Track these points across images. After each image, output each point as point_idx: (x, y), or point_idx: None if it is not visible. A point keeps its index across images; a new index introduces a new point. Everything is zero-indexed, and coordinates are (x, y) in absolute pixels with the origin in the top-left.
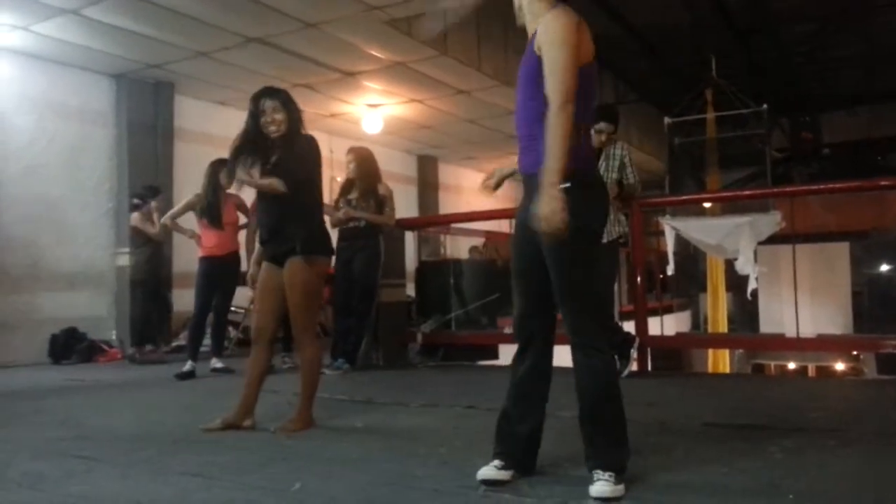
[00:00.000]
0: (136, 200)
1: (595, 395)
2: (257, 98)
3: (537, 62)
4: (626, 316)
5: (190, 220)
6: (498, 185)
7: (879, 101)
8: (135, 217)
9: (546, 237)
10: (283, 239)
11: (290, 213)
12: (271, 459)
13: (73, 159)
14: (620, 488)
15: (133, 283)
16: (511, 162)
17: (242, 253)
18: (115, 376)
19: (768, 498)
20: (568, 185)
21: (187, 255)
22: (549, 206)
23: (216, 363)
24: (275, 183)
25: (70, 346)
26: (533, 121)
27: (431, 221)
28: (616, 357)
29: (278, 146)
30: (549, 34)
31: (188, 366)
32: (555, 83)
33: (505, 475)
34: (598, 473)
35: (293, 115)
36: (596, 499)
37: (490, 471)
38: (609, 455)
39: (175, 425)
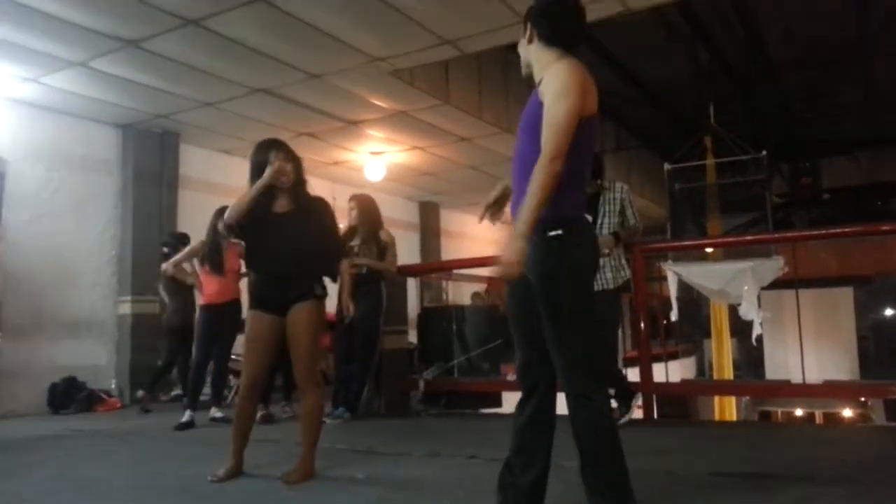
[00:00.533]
0: (165, 249)
1: (591, 442)
2: (265, 148)
3: (540, 109)
4: (630, 362)
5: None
6: (496, 206)
7: (879, 146)
8: (167, 265)
9: (539, 286)
10: (299, 281)
11: (314, 257)
12: None
13: (79, 207)
14: None
15: (169, 330)
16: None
17: (244, 300)
18: (115, 426)
19: None
20: (559, 232)
21: None
22: (511, 253)
23: (216, 413)
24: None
25: (69, 394)
26: (530, 169)
27: (433, 268)
28: (618, 405)
29: (285, 195)
30: (554, 85)
31: (187, 416)
32: (549, 136)
33: None
34: None
35: (298, 168)
36: None
37: None
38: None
39: (175, 477)
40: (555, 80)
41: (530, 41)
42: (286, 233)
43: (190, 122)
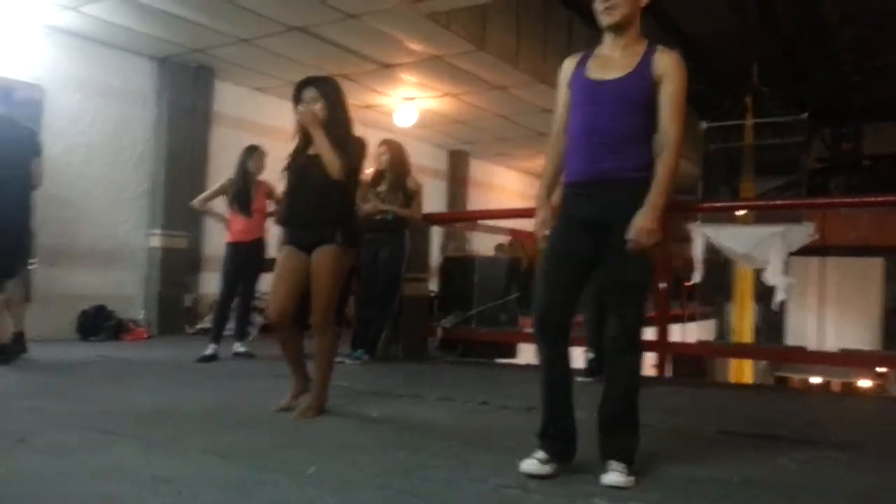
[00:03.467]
0: None
1: (627, 390)
2: (299, 88)
3: (651, 86)
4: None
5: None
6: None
7: None
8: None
9: (636, 245)
10: (321, 227)
11: (334, 203)
12: (289, 443)
13: (114, 139)
14: (632, 479)
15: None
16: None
17: (269, 240)
18: (141, 355)
19: None
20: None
21: (216, 240)
22: (655, 224)
23: (239, 347)
24: (335, 162)
25: (98, 323)
26: (628, 133)
27: (458, 217)
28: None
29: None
30: (681, 78)
31: (211, 349)
32: (679, 124)
33: (547, 469)
34: (613, 464)
35: (333, 103)
36: (609, 487)
37: (533, 464)
38: (626, 447)
39: (196, 405)
40: (682, 73)
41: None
42: (309, 177)
43: (225, 57)
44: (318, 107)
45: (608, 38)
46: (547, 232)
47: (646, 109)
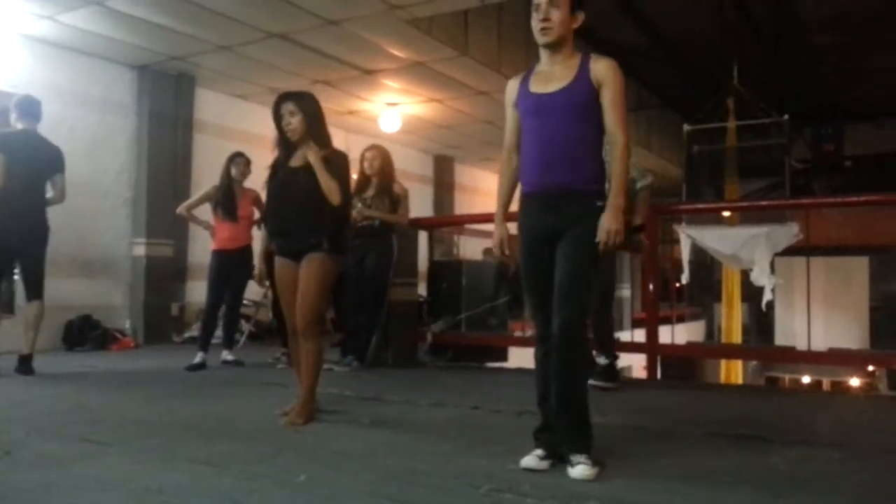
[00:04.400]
0: None
1: (577, 386)
2: (277, 103)
3: (593, 92)
4: (637, 323)
5: (206, 213)
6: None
7: None
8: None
9: (604, 246)
10: (307, 235)
11: (319, 211)
12: (279, 451)
13: (94, 148)
14: (596, 470)
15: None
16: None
17: (256, 247)
18: (128, 365)
19: None
20: (602, 203)
21: (202, 248)
22: (618, 224)
23: (227, 356)
24: (334, 189)
25: (84, 332)
26: (578, 143)
27: (445, 222)
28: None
29: (301, 146)
30: (618, 82)
31: (199, 357)
32: (624, 128)
33: (545, 465)
34: (578, 457)
35: (311, 116)
36: (579, 481)
37: (532, 460)
38: (584, 438)
39: (185, 415)
40: (618, 77)
41: (574, 13)
42: (292, 188)
43: (206, 65)
44: (297, 120)
45: (545, 55)
46: (506, 251)
47: (591, 115)
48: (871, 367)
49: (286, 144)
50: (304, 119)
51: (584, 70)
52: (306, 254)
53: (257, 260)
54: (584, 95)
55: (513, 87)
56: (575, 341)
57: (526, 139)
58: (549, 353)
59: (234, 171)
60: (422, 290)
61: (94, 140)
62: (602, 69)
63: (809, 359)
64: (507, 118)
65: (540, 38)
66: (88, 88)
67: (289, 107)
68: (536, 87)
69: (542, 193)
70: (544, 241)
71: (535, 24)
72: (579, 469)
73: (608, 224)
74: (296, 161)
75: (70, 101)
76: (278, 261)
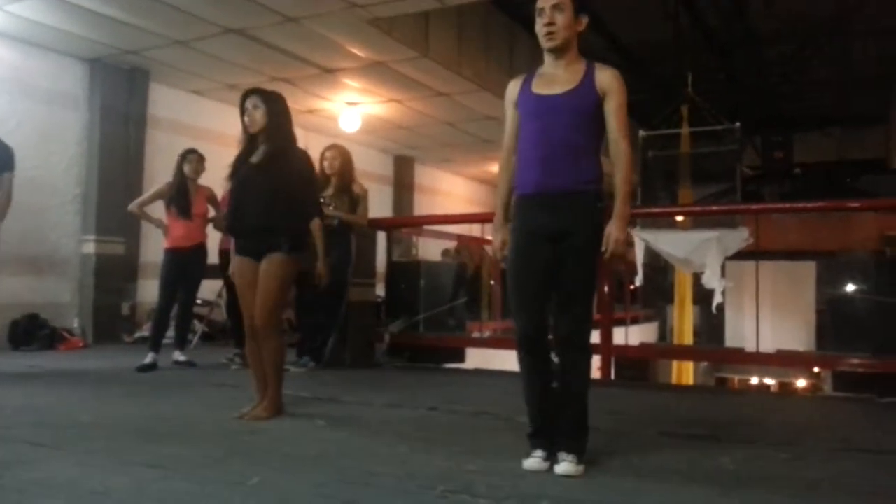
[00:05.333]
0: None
1: (580, 390)
2: (243, 98)
3: (597, 100)
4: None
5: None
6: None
7: (852, 123)
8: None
9: (611, 255)
10: (268, 235)
11: (280, 210)
12: (230, 454)
13: (43, 143)
14: (582, 468)
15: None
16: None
17: (210, 245)
18: (77, 365)
19: None
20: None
21: (154, 246)
22: (624, 233)
23: (179, 356)
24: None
25: (31, 332)
26: (579, 145)
27: (404, 222)
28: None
29: (263, 141)
30: (622, 93)
31: (150, 358)
32: (628, 139)
33: (547, 466)
34: (564, 455)
35: (275, 112)
36: (561, 476)
37: (536, 462)
38: (579, 440)
39: (134, 417)
40: (622, 87)
41: (577, 16)
42: (252, 186)
43: (160, 60)
44: (259, 113)
45: (549, 59)
46: (507, 254)
47: (593, 121)
48: (816, 369)
49: (248, 140)
50: (266, 113)
51: (589, 76)
52: (266, 253)
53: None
54: (588, 101)
55: (514, 87)
56: (585, 342)
57: (525, 140)
58: (536, 355)
59: (186, 169)
60: (380, 290)
61: (42, 134)
62: (607, 78)
63: (758, 360)
64: (506, 119)
65: (545, 43)
66: (37, 81)
67: (253, 100)
68: (540, 88)
69: (542, 193)
70: (545, 240)
71: (540, 29)
72: (564, 465)
73: (615, 233)
74: (257, 157)
75: (18, 93)
76: (237, 259)
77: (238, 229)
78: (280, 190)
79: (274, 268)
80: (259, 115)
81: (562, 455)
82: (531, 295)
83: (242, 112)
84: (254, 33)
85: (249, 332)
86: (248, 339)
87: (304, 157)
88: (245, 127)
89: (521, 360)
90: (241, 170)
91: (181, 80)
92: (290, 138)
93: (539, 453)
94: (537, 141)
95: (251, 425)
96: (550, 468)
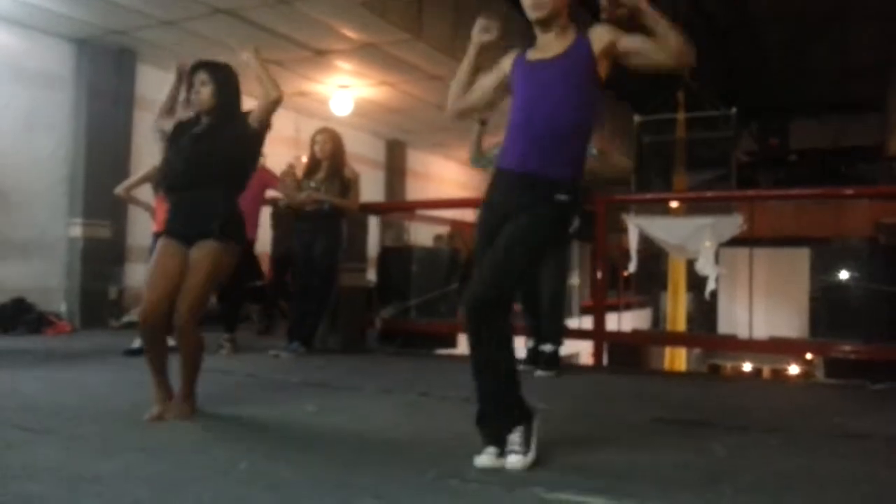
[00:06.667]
0: None
1: (495, 365)
2: (192, 71)
3: (592, 61)
4: (585, 311)
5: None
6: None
7: (848, 111)
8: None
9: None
10: (202, 218)
11: (215, 194)
12: (219, 439)
13: (29, 124)
14: (530, 458)
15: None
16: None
17: None
18: (64, 349)
19: (707, 492)
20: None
21: (142, 229)
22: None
23: (168, 340)
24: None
25: (18, 316)
26: (568, 125)
27: (396, 207)
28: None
29: (209, 120)
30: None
31: (138, 342)
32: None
33: (501, 463)
34: (512, 445)
35: (223, 89)
36: (516, 472)
37: (489, 459)
38: (513, 420)
39: (121, 401)
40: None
41: None
42: (187, 154)
43: (148, 40)
44: (207, 91)
45: (539, 32)
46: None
47: (584, 91)
48: (809, 356)
49: (196, 115)
50: (214, 91)
51: (580, 40)
52: (197, 239)
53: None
54: (580, 65)
55: (510, 56)
56: (485, 318)
57: (515, 114)
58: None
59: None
60: (371, 275)
61: (29, 115)
62: (600, 31)
63: (751, 347)
64: (491, 71)
65: (531, 13)
66: (23, 62)
67: (201, 76)
68: (533, 56)
69: (516, 175)
70: (502, 218)
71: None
72: (510, 458)
73: None
74: (199, 130)
75: (3, 74)
76: (162, 239)
77: (171, 206)
78: (224, 164)
79: (207, 258)
80: (206, 92)
81: (509, 444)
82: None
83: (189, 87)
84: (244, 14)
85: (147, 318)
86: (144, 330)
87: (251, 130)
88: (190, 102)
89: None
90: (183, 136)
91: (169, 60)
92: (237, 113)
93: (492, 449)
94: (524, 117)
95: (241, 410)
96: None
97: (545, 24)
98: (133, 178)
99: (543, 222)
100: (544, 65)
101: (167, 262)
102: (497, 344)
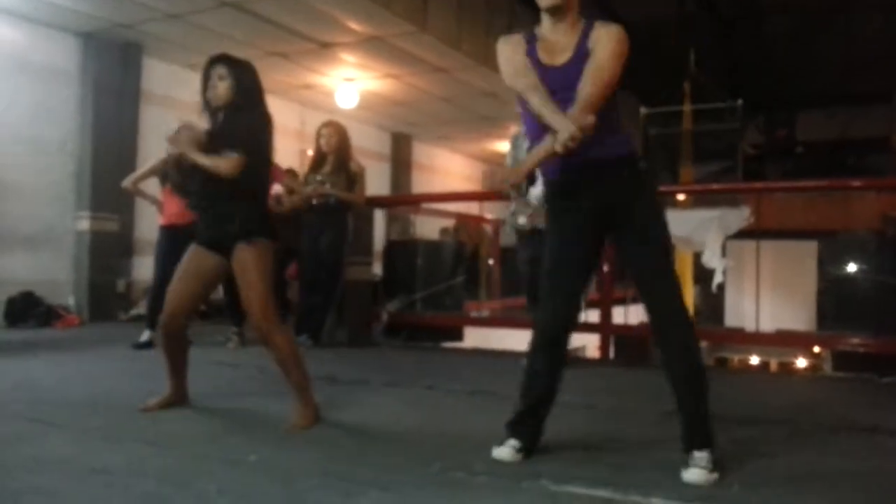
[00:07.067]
0: None
1: (706, 388)
2: (209, 64)
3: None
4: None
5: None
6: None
7: (856, 102)
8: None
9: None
10: (227, 222)
11: (236, 194)
12: (227, 432)
13: (36, 118)
14: (715, 476)
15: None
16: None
17: None
18: (73, 342)
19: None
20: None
21: (149, 223)
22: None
23: (186, 339)
24: (220, 165)
25: (27, 309)
26: (601, 120)
27: (402, 200)
28: None
29: (223, 116)
30: (613, 44)
31: (146, 335)
32: (599, 85)
33: (519, 458)
34: (699, 457)
35: (241, 84)
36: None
37: (508, 452)
38: (710, 437)
39: (131, 394)
40: (615, 40)
41: None
42: (201, 174)
43: (154, 33)
44: (224, 86)
45: (547, 21)
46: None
47: None
48: (816, 349)
49: (211, 114)
50: (232, 86)
51: (584, 40)
52: (233, 243)
53: None
54: (581, 71)
55: (518, 49)
56: (696, 341)
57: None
58: (558, 360)
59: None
60: (377, 269)
61: (35, 110)
62: (599, 35)
63: (758, 340)
64: (516, 62)
65: (541, 1)
66: (30, 56)
67: (219, 70)
68: (543, 55)
69: (584, 165)
70: (594, 219)
71: None
72: (693, 472)
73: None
74: (214, 128)
75: (10, 68)
76: (193, 248)
77: (197, 214)
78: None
79: (247, 262)
80: (223, 87)
81: (694, 457)
82: (571, 287)
83: (206, 81)
84: (249, 6)
85: (168, 323)
86: (164, 335)
87: (264, 120)
88: (206, 100)
89: (536, 363)
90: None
91: (176, 54)
92: (261, 113)
93: (514, 442)
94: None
95: (249, 403)
96: (523, 460)
97: (555, 12)
98: (140, 170)
99: (653, 206)
100: (556, 71)
101: (191, 267)
102: (693, 354)
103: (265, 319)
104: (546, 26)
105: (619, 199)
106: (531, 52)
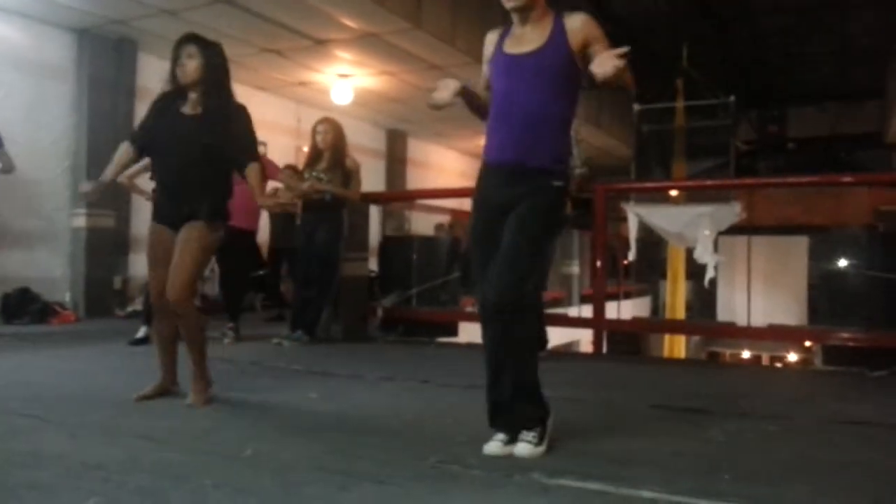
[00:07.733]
0: None
1: (522, 360)
2: (179, 43)
3: (568, 54)
4: (585, 299)
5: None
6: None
7: (847, 98)
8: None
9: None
10: (189, 199)
11: (208, 177)
12: (223, 426)
13: (31, 115)
14: (542, 449)
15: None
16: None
17: None
18: (69, 339)
19: (706, 477)
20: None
21: (145, 219)
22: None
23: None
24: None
25: (23, 306)
26: (546, 118)
27: (397, 196)
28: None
29: (196, 96)
30: (603, 33)
31: (142, 332)
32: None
33: (509, 450)
34: (525, 434)
35: (210, 64)
36: (530, 460)
37: (496, 446)
38: (535, 417)
39: (126, 389)
40: (599, 28)
41: None
42: (182, 139)
43: (148, 29)
44: (193, 64)
45: (516, 19)
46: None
47: (564, 83)
48: (807, 343)
49: (176, 91)
50: (201, 66)
51: (558, 30)
52: (185, 221)
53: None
54: (557, 59)
55: (491, 39)
56: (512, 313)
57: (494, 105)
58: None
59: None
60: (373, 264)
61: (30, 106)
62: (579, 25)
63: (750, 335)
64: (486, 54)
65: (507, 2)
66: (24, 52)
67: (189, 49)
68: (510, 47)
69: (503, 167)
70: (499, 212)
71: None
72: (521, 446)
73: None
74: (188, 109)
75: (4, 65)
76: (152, 226)
77: (159, 187)
78: (208, 146)
79: (193, 237)
80: (192, 66)
81: (522, 434)
82: (485, 268)
83: (175, 59)
84: (244, 3)
85: (157, 307)
86: (155, 316)
87: (246, 115)
88: (174, 77)
89: (484, 335)
90: (168, 114)
91: (169, 50)
92: (229, 93)
93: (501, 436)
94: (505, 110)
95: (244, 397)
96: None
97: (521, 11)
98: (135, 166)
99: (543, 210)
100: (521, 58)
101: (163, 248)
102: (518, 343)
103: (183, 291)
104: (516, 22)
105: (520, 200)
106: (499, 45)
